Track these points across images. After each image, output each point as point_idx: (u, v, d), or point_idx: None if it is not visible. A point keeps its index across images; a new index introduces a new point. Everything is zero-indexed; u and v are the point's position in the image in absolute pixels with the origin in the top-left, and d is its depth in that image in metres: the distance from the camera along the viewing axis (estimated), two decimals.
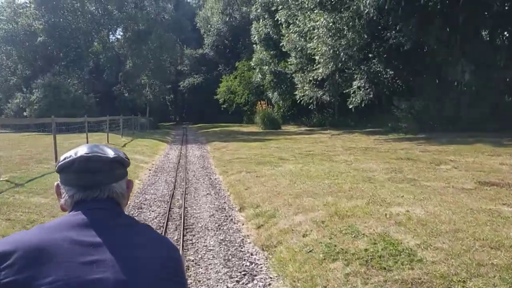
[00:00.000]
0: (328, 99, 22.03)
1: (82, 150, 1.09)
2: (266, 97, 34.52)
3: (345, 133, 21.08)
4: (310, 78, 23.03)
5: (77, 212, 1.05)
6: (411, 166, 8.89)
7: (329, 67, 18.28)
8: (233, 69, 43.22)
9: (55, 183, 1.15)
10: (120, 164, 1.13)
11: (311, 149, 14.08)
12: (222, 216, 6.22)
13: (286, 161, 10.97)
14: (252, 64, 28.75)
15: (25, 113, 31.61)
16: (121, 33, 35.40)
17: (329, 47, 17.84)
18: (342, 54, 17.77)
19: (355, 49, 17.08)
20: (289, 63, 23.95)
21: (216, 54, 46.79)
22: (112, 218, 1.07)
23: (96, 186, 1.09)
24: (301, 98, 23.09)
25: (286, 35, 23.10)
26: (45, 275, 0.90)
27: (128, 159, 1.17)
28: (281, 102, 28.84)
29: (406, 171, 8.19)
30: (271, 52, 27.76)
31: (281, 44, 26.29)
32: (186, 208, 6.69)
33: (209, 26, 45.66)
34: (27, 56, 33.60)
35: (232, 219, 6.05)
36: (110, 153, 1.11)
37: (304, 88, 22.75)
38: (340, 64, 18.45)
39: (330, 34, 17.26)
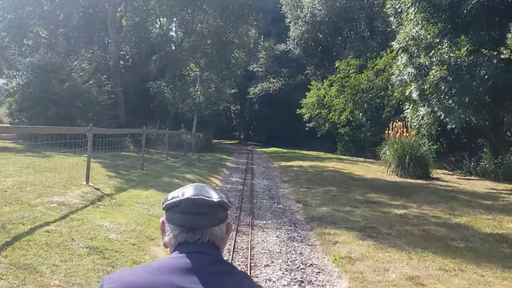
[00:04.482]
0: None
1: (188, 192, 1.10)
2: (393, 115, 20.41)
3: None
4: None
5: (180, 255, 1.06)
6: None
7: None
8: (327, 73, 29.54)
9: (161, 219, 1.16)
10: (223, 208, 1.13)
11: None
12: None
13: None
14: (397, 47, 14.20)
15: None
16: None
17: None
18: None
19: None
20: None
21: (304, 51, 32.97)
22: (212, 264, 1.06)
23: (199, 229, 1.09)
24: None
25: None
26: None
27: (230, 202, 1.16)
28: (450, 125, 14.17)
29: None
30: (441, 24, 13.34)
31: (471, 3, 12.02)
32: None
33: (298, 11, 32.27)
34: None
35: None
36: (215, 197, 1.11)
37: None
38: None
39: None
